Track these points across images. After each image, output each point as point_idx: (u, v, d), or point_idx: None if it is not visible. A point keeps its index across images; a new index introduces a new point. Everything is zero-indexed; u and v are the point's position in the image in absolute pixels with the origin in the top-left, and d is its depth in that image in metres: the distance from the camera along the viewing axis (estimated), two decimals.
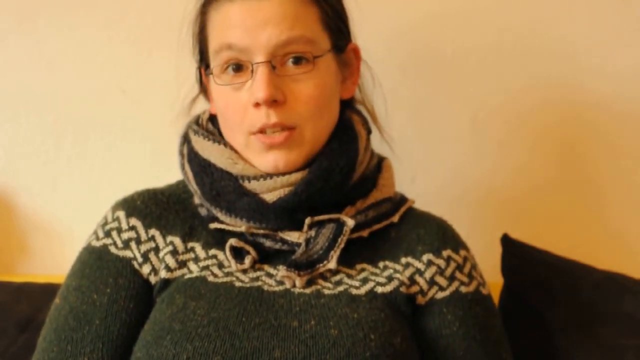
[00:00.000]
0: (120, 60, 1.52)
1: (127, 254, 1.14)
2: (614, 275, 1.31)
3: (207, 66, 1.16)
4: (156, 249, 1.14)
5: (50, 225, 1.55)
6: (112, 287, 1.11)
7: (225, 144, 1.15)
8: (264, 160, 1.11)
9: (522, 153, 1.52)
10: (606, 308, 1.26)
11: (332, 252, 1.10)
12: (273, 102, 1.09)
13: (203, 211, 1.17)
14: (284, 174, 1.11)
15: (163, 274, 1.12)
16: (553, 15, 1.49)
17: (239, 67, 1.11)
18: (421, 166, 1.49)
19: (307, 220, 1.11)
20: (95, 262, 1.14)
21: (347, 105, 1.21)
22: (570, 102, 1.51)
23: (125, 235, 1.15)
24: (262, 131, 1.10)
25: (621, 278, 1.30)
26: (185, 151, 1.19)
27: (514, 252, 1.33)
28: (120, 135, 1.54)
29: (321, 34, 1.13)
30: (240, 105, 1.11)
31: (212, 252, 1.14)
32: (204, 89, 1.22)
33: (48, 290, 1.32)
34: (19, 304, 1.34)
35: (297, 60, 1.10)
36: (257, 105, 1.09)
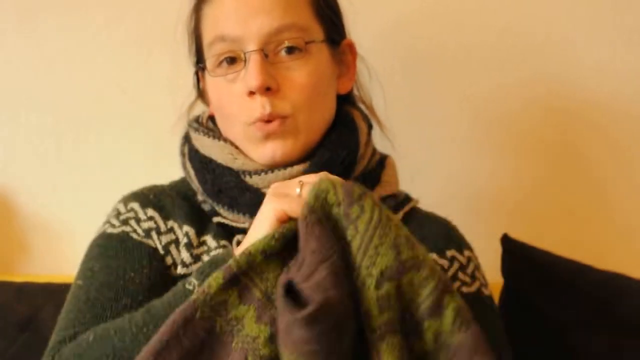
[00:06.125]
0: (120, 60, 1.52)
1: (150, 242, 1.12)
2: (614, 275, 1.30)
3: (204, 66, 1.17)
4: (176, 242, 1.13)
5: (50, 225, 1.54)
6: (139, 270, 1.08)
7: (225, 140, 1.15)
8: (261, 151, 1.11)
9: (522, 152, 1.52)
10: (606, 308, 1.26)
11: None
12: (267, 90, 1.09)
13: (206, 207, 1.16)
14: (285, 167, 1.11)
15: (179, 269, 1.11)
16: (553, 14, 1.49)
17: (232, 60, 1.12)
18: (421, 166, 1.49)
19: None
20: (119, 244, 1.11)
21: (346, 101, 1.21)
22: (570, 102, 1.51)
23: (145, 225, 1.13)
24: (259, 121, 1.10)
25: (621, 278, 1.30)
26: (186, 150, 1.19)
27: (514, 252, 1.33)
28: (120, 135, 1.53)
29: (313, 23, 1.14)
30: (236, 97, 1.11)
31: (223, 242, 1.12)
32: (201, 94, 1.22)
33: (48, 290, 1.33)
34: (19, 304, 1.34)
35: (290, 50, 1.11)
36: (251, 94, 1.09)
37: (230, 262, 0.92)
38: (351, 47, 1.21)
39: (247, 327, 0.92)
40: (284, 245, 0.94)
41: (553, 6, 1.49)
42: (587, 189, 1.53)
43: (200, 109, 1.25)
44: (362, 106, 1.24)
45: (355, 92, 1.24)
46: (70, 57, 1.53)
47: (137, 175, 1.50)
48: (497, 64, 1.50)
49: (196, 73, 1.21)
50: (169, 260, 1.12)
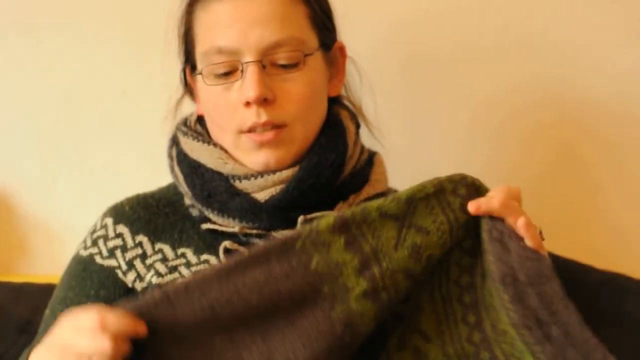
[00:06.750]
0: (120, 60, 1.52)
1: (112, 262, 1.14)
2: (614, 275, 1.30)
3: (193, 67, 1.16)
4: (143, 256, 1.14)
5: (50, 225, 1.55)
6: (94, 299, 1.12)
7: (215, 144, 1.15)
8: (254, 159, 1.12)
9: (519, 153, 1.52)
10: (606, 308, 1.26)
11: None
12: (263, 101, 1.09)
13: (195, 212, 1.16)
14: (274, 172, 1.11)
15: (154, 279, 1.12)
16: (551, 14, 1.49)
17: (228, 69, 1.12)
18: (418, 166, 1.49)
19: (300, 219, 1.10)
20: (81, 273, 1.15)
21: (335, 102, 1.21)
22: (568, 102, 1.51)
23: (111, 244, 1.15)
24: (252, 130, 1.10)
25: (621, 278, 1.30)
26: (174, 153, 1.19)
27: None
28: (120, 135, 1.54)
29: (310, 32, 1.14)
30: (230, 105, 1.11)
31: (204, 257, 1.13)
32: (189, 90, 1.22)
33: (48, 291, 1.32)
34: (19, 304, 1.34)
35: (287, 62, 1.11)
36: (247, 104, 1.10)
37: (346, 210, 0.94)
38: (342, 50, 1.21)
39: (345, 275, 0.91)
40: (403, 210, 0.94)
41: (552, 6, 1.49)
42: (587, 189, 1.52)
43: (188, 106, 1.24)
44: (349, 105, 1.24)
45: (343, 92, 1.24)
46: (70, 57, 1.53)
47: (136, 176, 1.52)
48: (495, 66, 1.50)
49: (184, 70, 1.20)
50: (131, 275, 1.13)
